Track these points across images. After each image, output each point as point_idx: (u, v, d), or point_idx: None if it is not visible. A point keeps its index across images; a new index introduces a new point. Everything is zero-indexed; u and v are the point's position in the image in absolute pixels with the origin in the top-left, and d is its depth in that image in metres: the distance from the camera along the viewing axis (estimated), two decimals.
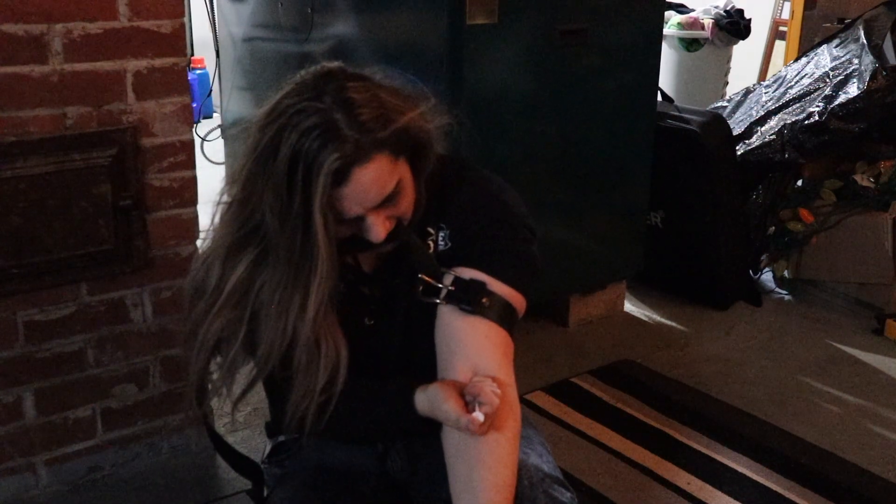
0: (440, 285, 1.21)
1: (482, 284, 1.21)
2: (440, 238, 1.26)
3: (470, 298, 1.20)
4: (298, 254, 1.12)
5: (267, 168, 1.10)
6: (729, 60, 4.98)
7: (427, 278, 1.21)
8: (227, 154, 3.85)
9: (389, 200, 1.15)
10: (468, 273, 1.22)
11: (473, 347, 1.20)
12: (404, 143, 1.16)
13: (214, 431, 1.49)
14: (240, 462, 1.48)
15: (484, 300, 1.20)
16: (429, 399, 1.18)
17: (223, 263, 1.18)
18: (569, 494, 1.26)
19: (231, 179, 1.18)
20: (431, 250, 1.26)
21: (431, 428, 1.20)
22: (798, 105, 3.18)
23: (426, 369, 1.25)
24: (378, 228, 1.15)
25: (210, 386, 1.26)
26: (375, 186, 1.12)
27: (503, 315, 1.22)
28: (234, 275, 1.17)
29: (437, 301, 1.21)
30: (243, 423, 2.21)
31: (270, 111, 1.12)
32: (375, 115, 1.11)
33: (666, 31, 4.52)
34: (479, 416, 1.11)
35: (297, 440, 1.42)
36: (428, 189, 1.24)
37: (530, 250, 1.28)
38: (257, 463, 1.47)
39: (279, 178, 1.09)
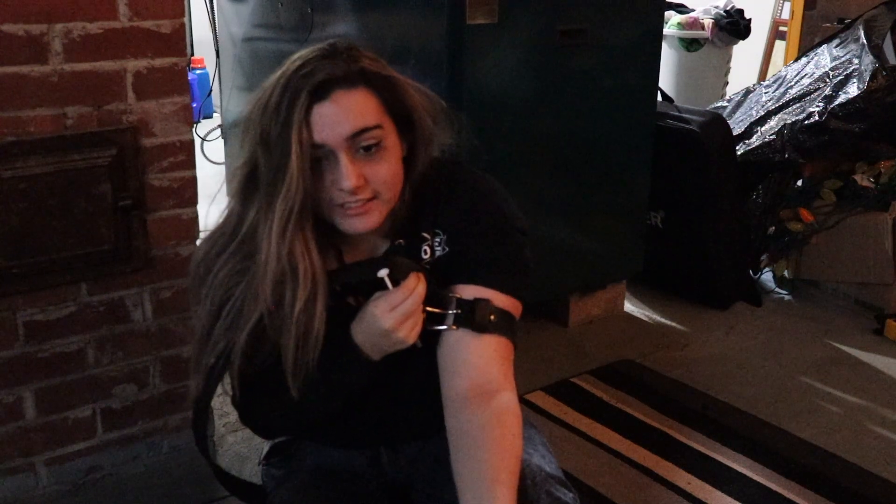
0: (446, 312, 1.20)
1: (486, 302, 1.21)
2: (436, 243, 1.25)
3: (477, 320, 1.20)
4: (275, 172, 1.11)
5: (264, 105, 1.12)
6: (729, 60, 4.98)
7: (431, 308, 1.19)
8: (227, 154, 3.85)
9: (366, 149, 1.13)
10: (469, 291, 1.22)
11: (481, 361, 1.20)
12: (396, 104, 1.16)
13: (216, 465, 1.45)
14: (244, 489, 1.47)
15: (491, 317, 1.20)
16: (358, 320, 1.18)
17: (241, 206, 1.17)
18: (571, 495, 1.26)
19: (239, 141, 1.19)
20: (427, 256, 1.25)
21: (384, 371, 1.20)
22: (798, 105, 3.18)
23: (416, 370, 1.25)
24: (349, 172, 1.12)
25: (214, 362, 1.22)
26: (353, 113, 1.12)
27: (507, 325, 1.22)
28: (245, 221, 1.16)
29: (445, 328, 1.20)
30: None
31: (279, 70, 1.15)
32: (374, 63, 1.15)
33: (666, 31, 4.52)
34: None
35: (295, 441, 1.42)
36: (422, 193, 1.23)
37: (524, 254, 1.28)
38: (261, 486, 1.45)
39: (272, 104, 1.11)
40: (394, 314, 1.15)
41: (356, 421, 1.33)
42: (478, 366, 1.19)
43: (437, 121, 1.22)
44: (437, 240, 1.25)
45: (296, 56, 1.15)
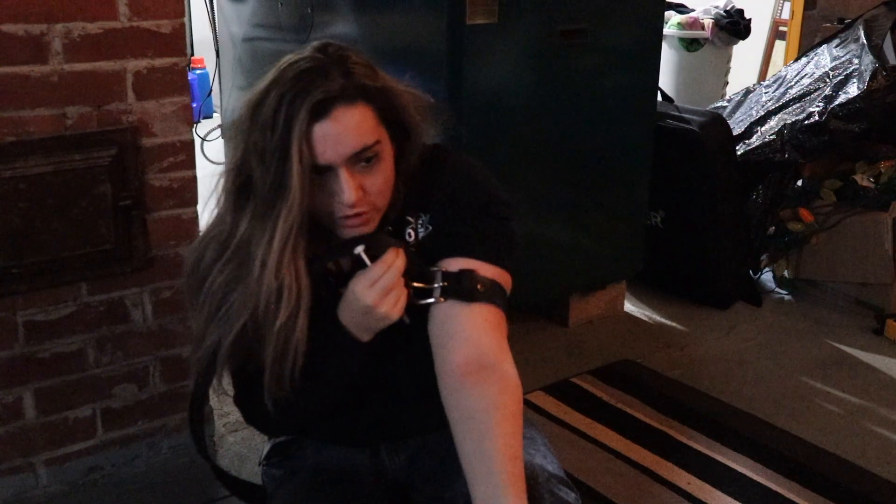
0: (432, 286, 1.20)
1: (472, 272, 1.21)
2: (420, 225, 1.25)
3: (464, 289, 1.20)
4: (272, 188, 1.11)
5: (257, 113, 1.12)
6: (729, 60, 4.98)
7: (417, 284, 1.20)
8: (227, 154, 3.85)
9: (366, 161, 1.14)
10: (455, 264, 1.22)
11: (474, 331, 1.20)
12: (390, 112, 1.17)
13: (216, 465, 1.46)
14: (245, 489, 1.47)
15: (479, 287, 1.20)
16: (342, 302, 1.18)
17: (233, 214, 1.18)
18: (574, 495, 1.26)
19: (230, 141, 1.19)
20: (412, 238, 1.25)
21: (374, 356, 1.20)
22: (798, 105, 3.18)
23: (413, 361, 1.25)
24: (350, 188, 1.13)
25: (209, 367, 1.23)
26: (354, 132, 1.12)
27: (496, 294, 1.22)
28: (238, 229, 1.16)
29: (433, 301, 1.21)
30: (243, 423, 2.20)
31: (270, 73, 1.15)
32: (368, 73, 1.15)
33: (666, 31, 4.52)
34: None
35: (295, 440, 1.43)
36: (406, 179, 1.24)
37: (509, 227, 1.28)
38: (261, 486, 1.45)
39: (267, 115, 1.11)
40: (374, 289, 1.15)
41: (356, 417, 1.33)
42: (470, 337, 1.19)
43: (425, 117, 1.23)
44: (420, 221, 1.26)
45: (285, 62, 1.14)
